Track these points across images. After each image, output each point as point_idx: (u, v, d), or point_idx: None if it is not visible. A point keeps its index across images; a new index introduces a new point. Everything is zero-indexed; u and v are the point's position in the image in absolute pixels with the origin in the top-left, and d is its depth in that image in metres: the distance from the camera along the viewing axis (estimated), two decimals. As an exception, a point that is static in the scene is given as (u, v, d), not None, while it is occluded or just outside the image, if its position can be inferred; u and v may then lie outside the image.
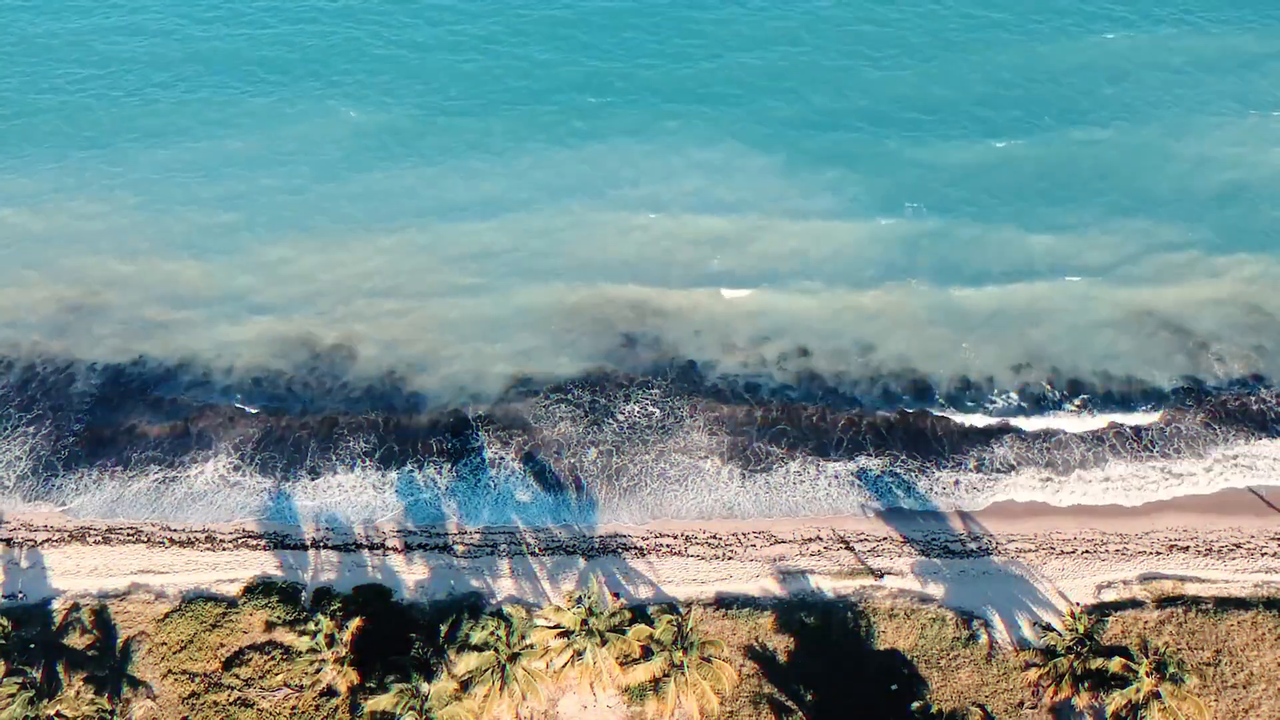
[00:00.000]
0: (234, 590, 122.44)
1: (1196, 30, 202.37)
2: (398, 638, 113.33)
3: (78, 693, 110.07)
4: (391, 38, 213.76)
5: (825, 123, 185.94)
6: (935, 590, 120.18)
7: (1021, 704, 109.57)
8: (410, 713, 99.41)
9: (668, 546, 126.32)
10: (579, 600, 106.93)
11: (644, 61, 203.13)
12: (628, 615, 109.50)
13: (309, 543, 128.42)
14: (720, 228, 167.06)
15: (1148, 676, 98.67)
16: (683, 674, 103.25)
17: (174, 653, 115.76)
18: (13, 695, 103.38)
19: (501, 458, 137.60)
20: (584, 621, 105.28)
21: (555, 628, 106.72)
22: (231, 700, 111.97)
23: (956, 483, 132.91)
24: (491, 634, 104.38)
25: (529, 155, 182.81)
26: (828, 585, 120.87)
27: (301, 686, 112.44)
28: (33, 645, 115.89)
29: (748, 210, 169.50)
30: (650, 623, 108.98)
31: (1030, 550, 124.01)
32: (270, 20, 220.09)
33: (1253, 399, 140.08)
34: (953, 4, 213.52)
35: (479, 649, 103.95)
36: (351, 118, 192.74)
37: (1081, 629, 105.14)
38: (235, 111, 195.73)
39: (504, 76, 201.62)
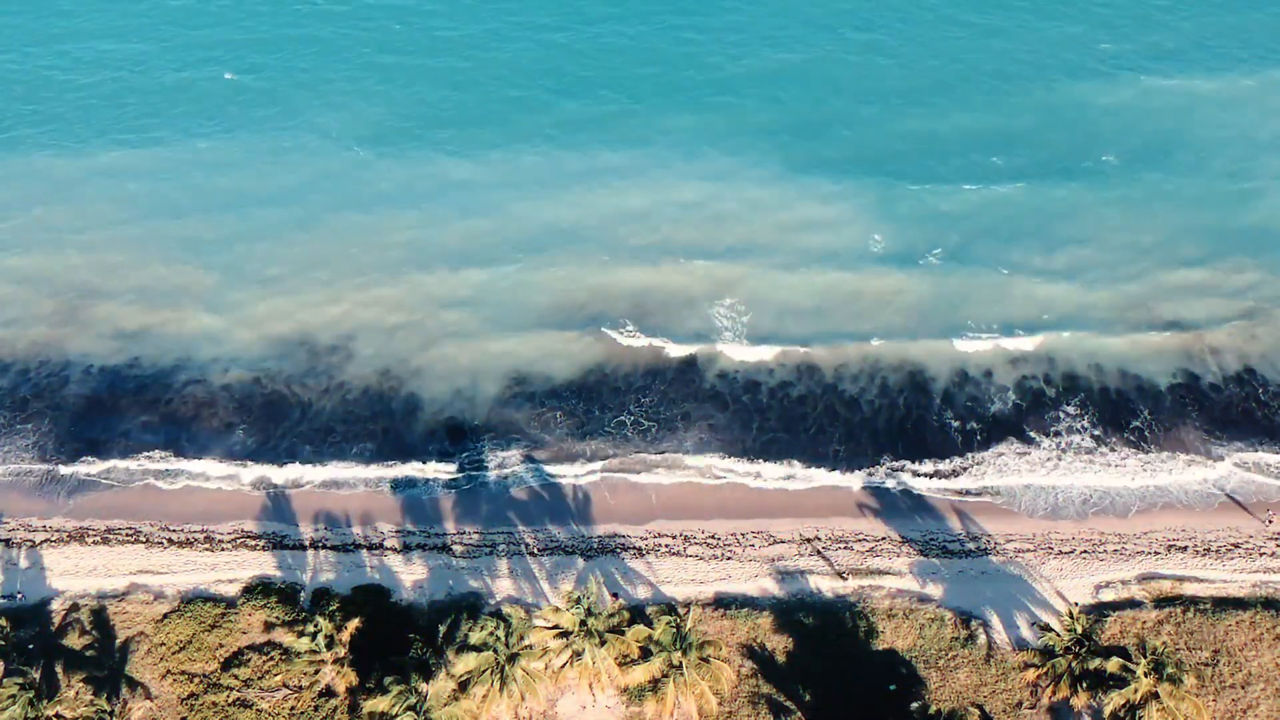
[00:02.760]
0: (233, 591, 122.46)
1: (1200, 69, 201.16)
2: (396, 638, 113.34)
3: (76, 693, 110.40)
4: (369, 61, 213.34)
5: (826, 160, 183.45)
6: (934, 590, 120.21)
7: (1020, 704, 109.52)
8: (409, 713, 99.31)
9: (666, 546, 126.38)
10: (578, 601, 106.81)
11: (640, 92, 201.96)
12: (626, 616, 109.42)
13: (307, 543, 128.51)
14: (718, 272, 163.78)
15: (1145, 677, 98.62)
16: (681, 674, 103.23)
17: (173, 653, 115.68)
18: (12, 696, 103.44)
19: (499, 458, 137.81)
20: (583, 622, 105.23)
21: (554, 628, 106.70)
22: (230, 701, 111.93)
23: (955, 473, 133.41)
24: (490, 634, 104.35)
25: (518, 190, 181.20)
26: (826, 585, 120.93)
27: (300, 687, 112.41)
28: (31, 646, 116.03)
29: (746, 255, 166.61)
30: (649, 623, 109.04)
31: (1028, 550, 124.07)
32: (247, 52, 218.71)
33: (1255, 406, 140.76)
34: (951, 35, 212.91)
35: (478, 649, 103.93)
36: (332, 148, 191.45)
37: (1080, 629, 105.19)
38: (216, 145, 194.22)
39: (492, 107, 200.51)
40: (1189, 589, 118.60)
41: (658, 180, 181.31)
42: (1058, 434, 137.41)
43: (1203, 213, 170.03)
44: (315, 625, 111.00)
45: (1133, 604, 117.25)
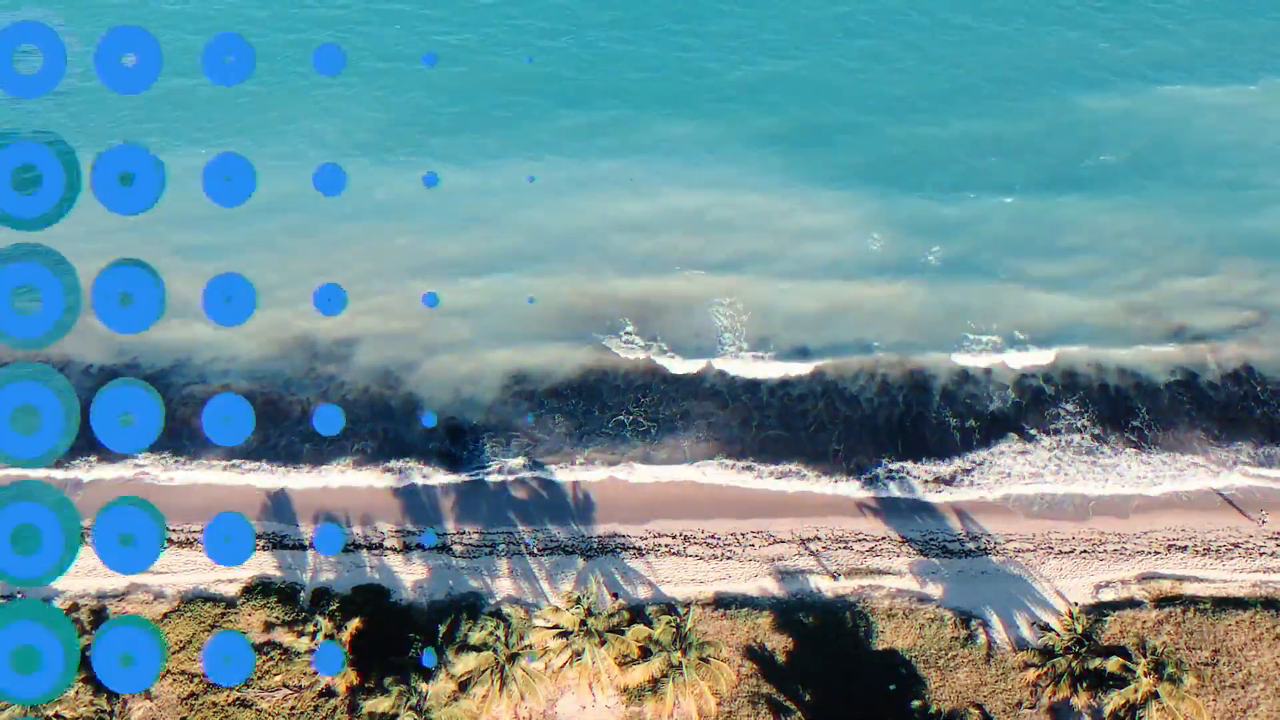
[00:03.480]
0: (232, 590, 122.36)
1: (1202, 76, 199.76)
2: (396, 638, 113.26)
3: (76, 693, 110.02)
4: (366, 67, 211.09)
5: (826, 167, 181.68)
6: (934, 590, 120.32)
7: (1020, 704, 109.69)
8: (409, 713, 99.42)
9: (666, 546, 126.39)
10: (578, 601, 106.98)
11: (638, 99, 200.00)
12: (626, 616, 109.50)
13: (307, 543, 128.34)
14: (718, 280, 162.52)
15: (1146, 676, 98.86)
16: (681, 674, 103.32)
17: (173, 653, 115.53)
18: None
19: (499, 458, 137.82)
20: (582, 622, 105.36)
21: (554, 628, 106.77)
22: (230, 701, 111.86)
23: (955, 473, 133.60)
24: (490, 634, 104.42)
25: (516, 197, 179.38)
26: (826, 585, 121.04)
27: (300, 687, 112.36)
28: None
29: (746, 263, 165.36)
30: (649, 623, 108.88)
31: (1028, 550, 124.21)
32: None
33: (1255, 406, 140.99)
34: (951, 42, 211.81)
35: (478, 649, 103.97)
36: (328, 155, 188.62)
37: (1080, 629, 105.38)
38: (210, 151, 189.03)
39: (490, 114, 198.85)
40: (1189, 589, 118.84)
41: (656, 188, 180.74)
42: (1058, 433, 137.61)
43: (1206, 220, 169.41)
44: (315, 625, 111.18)
45: (1133, 604, 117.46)
